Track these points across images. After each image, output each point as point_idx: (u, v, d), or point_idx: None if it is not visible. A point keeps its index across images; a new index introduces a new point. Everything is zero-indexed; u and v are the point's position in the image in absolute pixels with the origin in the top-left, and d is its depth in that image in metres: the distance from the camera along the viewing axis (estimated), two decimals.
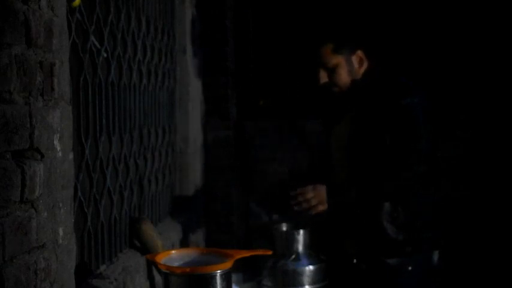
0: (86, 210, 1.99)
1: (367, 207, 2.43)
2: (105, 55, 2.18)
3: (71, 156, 1.58)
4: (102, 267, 2.11)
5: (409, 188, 2.37)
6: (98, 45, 2.12)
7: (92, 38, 2.04)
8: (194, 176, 3.50)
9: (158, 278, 2.36)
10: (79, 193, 1.92)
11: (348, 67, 2.44)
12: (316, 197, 2.40)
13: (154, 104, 2.83)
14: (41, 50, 1.39)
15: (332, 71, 2.44)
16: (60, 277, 1.47)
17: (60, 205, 1.49)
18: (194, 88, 3.50)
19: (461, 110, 3.73)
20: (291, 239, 2.60)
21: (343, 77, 2.44)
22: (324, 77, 2.46)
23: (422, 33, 3.77)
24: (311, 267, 2.55)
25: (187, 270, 2.05)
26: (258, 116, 4.09)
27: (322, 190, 2.40)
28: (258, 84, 4.13)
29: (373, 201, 2.41)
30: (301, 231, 2.60)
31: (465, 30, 3.73)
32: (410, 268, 2.40)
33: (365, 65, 2.46)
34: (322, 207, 2.40)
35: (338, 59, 2.43)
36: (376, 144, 2.39)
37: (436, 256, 2.47)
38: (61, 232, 1.49)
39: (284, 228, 2.72)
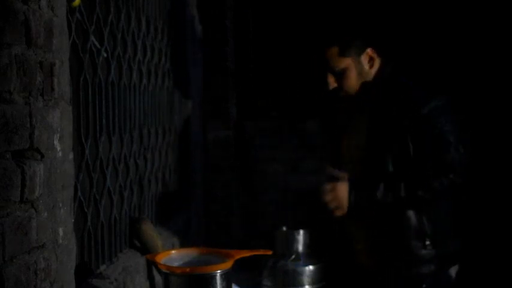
0: (86, 210, 1.99)
1: (392, 219, 2.28)
2: (105, 55, 2.18)
3: (71, 156, 1.58)
4: (102, 267, 2.11)
5: (438, 199, 2.25)
6: (98, 45, 2.12)
7: (92, 38, 2.04)
8: (194, 176, 3.50)
9: (158, 278, 2.36)
10: (79, 193, 1.92)
11: (358, 69, 2.29)
12: (335, 199, 2.26)
13: (154, 104, 2.83)
14: (41, 50, 1.39)
15: (340, 75, 2.29)
16: (60, 277, 1.47)
17: (60, 205, 1.49)
18: (194, 88, 3.50)
19: (461, 110, 3.73)
20: (291, 239, 2.61)
21: (353, 80, 2.29)
22: (332, 83, 2.30)
23: (422, 33, 3.77)
24: (311, 267, 2.56)
25: (187, 270, 2.05)
26: (258, 116, 4.09)
27: (342, 191, 2.24)
28: (258, 84, 4.12)
29: (397, 206, 2.25)
30: (301, 231, 2.60)
31: (465, 30, 3.73)
32: (424, 286, 2.29)
33: (377, 64, 2.33)
34: (341, 212, 2.27)
35: (346, 62, 2.28)
36: (399, 155, 2.23)
37: (454, 271, 2.36)
38: (61, 232, 1.49)
39: (284, 228, 2.72)
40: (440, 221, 2.31)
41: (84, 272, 1.95)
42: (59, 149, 1.48)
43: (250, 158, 4.05)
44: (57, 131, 1.47)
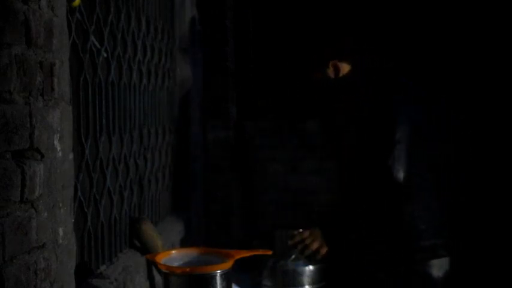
0: (86, 210, 1.99)
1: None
2: (105, 55, 2.18)
3: (71, 156, 1.58)
4: (102, 267, 2.11)
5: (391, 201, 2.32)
6: (98, 45, 2.12)
7: (92, 38, 2.04)
8: (194, 176, 3.50)
9: (158, 278, 2.36)
10: (79, 193, 1.92)
11: (326, 80, 2.47)
12: (316, 240, 2.43)
13: (154, 104, 2.83)
14: (41, 50, 1.39)
15: (317, 83, 2.50)
16: (60, 277, 1.47)
17: (60, 205, 1.49)
18: (194, 88, 3.50)
19: (461, 110, 3.73)
20: (291, 239, 2.60)
21: (325, 87, 2.49)
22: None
23: (421, 33, 3.77)
24: (311, 267, 2.55)
25: (187, 270, 2.05)
26: (258, 116, 4.09)
27: (317, 233, 2.44)
28: (258, 84, 4.13)
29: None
30: (301, 231, 2.60)
31: (465, 29, 3.73)
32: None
33: (345, 68, 2.45)
34: (324, 250, 2.43)
35: (315, 76, 2.48)
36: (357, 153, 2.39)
37: (446, 263, 2.40)
38: (61, 232, 1.49)
39: (284, 228, 2.72)
40: (430, 216, 2.35)
41: (84, 272, 1.95)
42: (59, 149, 1.48)
43: (250, 158, 4.05)
44: (57, 131, 1.47)
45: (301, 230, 2.59)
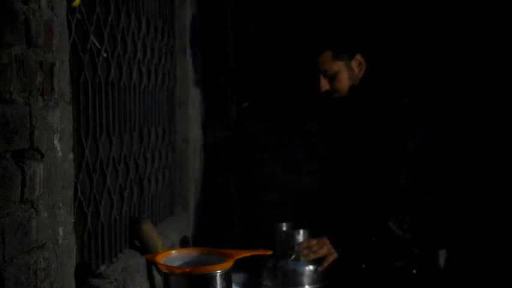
0: (86, 210, 1.99)
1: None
2: (105, 55, 2.18)
3: (71, 156, 1.58)
4: (102, 267, 2.11)
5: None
6: (98, 45, 2.12)
7: (92, 38, 2.04)
8: (194, 176, 3.49)
9: (158, 278, 2.36)
10: (79, 193, 1.92)
11: (348, 72, 2.45)
12: (324, 248, 2.44)
13: (154, 104, 2.83)
14: (41, 50, 1.39)
15: (333, 78, 2.45)
16: (60, 277, 1.47)
17: (60, 205, 1.49)
18: (194, 88, 3.50)
19: (461, 109, 3.73)
20: (291, 239, 2.60)
21: (344, 82, 2.45)
22: (325, 85, 2.46)
23: (421, 33, 3.77)
24: (311, 267, 2.55)
25: (187, 270, 2.05)
26: (258, 116, 4.10)
27: (325, 241, 2.44)
28: (258, 84, 4.13)
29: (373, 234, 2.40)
30: (301, 231, 2.60)
31: (465, 29, 3.73)
32: (414, 271, 2.39)
33: (363, 69, 2.47)
34: (332, 258, 2.44)
35: (338, 65, 2.44)
36: (365, 164, 2.42)
37: (443, 255, 2.46)
38: (61, 232, 1.49)
39: (284, 228, 2.72)
40: (422, 215, 2.40)
41: (84, 272, 1.95)
42: (59, 149, 1.48)
43: (250, 158, 4.05)
44: (57, 131, 1.47)
45: (301, 230, 2.59)
